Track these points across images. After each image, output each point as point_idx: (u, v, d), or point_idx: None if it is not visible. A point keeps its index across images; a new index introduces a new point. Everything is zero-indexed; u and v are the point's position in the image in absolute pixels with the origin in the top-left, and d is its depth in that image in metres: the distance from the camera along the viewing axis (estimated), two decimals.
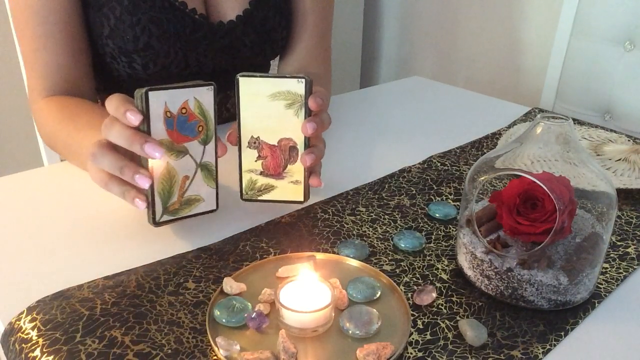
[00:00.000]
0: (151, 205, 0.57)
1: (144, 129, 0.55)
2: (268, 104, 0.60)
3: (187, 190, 0.59)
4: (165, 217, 0.59)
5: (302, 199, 0.64)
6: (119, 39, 0.78)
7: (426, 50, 2.13)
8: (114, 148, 0.56)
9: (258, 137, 0.62)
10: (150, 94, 0.54)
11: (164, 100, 0.55)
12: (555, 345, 0.48)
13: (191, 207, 0.60)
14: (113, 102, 0.54)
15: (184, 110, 0.56)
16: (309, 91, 0.59)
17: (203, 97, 0.57)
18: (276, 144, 0.62)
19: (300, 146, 0.62)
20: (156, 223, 0.58)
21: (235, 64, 0.89)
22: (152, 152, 0.53)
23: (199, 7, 0.82)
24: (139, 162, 0.56)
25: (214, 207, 0.62)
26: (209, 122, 0.58)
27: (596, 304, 0.53)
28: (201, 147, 0.59)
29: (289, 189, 0.63)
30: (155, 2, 0.77)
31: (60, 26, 0.76)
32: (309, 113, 0.60)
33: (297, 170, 0.63)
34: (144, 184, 0.55)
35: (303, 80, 0.59)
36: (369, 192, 0.73)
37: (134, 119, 0.53)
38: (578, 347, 0.49)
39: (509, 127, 0.96)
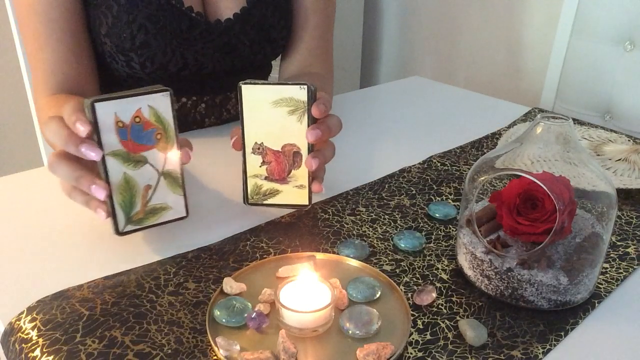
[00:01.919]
0: (113, 216, 0.56)
1: (95, 140, 0.53)
2: (271, 111, 0.60)
3: (151, 200, 0.58)
4: (130, 227, 0.57)
5: (307, 202, 0.64)
6: (116, 37, 0.78)
7: (426, 50, 2.13)
8: (71, 158, 0.54)
9: (262, 143, 0.62)
10: (97, 105, 0.52)
11: (113, 111, 0.53)
12: (555, 345, 0.48)
13: (157, 215, 0.59)
14: (66, 110, 0.53)
15: (137, 119, 0.55)
16: (312, 97, 0.59)
17: (158, 103, 0.55)
18: (280, 150, 0.62)
19: (304, 151, 0.62)
20: (119, 233, 0.57)
21: (235, 63, 0.89)
22: (88, 153, 0.52)
23: (196, 5, 0.82)
24: (97, 173, 0.55)
25: (184, 214, 0.60)
26: (167, 129, 0.57)
27: (596, 304, 0.53)
28: (162, 154, 0.57)
29: (293, 193, 0.64)
30: (152, 0, 0.77)
31: (62, 25, 0.77)
32: (312, 119, 0.60)
33: (301, 175, 0.63)
34: (100, 194, 0.53)
35: (305, 86, 0.59)
36: (369, 192, 0.73)
37: (83, 129, 0.52)
38: (578, 347, 0.49)
39: (509, 127, 0.96)
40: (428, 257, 0.60)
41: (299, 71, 0.96)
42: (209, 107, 0.92)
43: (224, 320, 0.49)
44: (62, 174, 0.54)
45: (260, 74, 0.99)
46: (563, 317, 0.51)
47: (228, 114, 0.95)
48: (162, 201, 0.59)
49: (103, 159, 0.54)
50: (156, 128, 0.56)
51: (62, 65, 0.78)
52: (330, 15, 0.96)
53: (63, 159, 0.54)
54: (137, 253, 0.59)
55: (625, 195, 0.73)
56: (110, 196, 0.55)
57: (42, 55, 0.78)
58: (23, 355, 0.46)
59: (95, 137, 0.53)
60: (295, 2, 0.92)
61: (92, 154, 0.53)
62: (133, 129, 0.55)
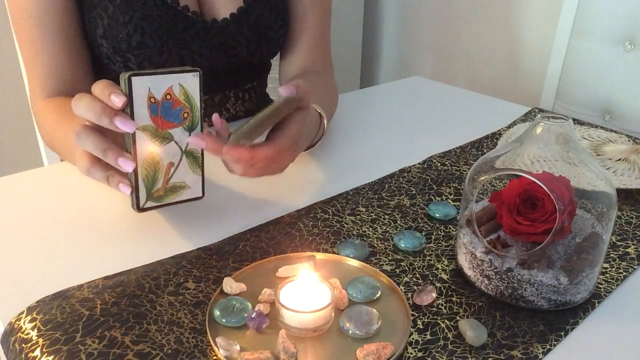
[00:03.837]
0: (135, 191, 0.57)
1: (127, 114, 0.55)
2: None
3: (172, 177, 0.59)
4: (150, 204, 0.58)
5: (200, 194, 0.61)
6: (112, 38, 0.78)
7: (426, 50, 2.13)
8: (98, 130, 0.55)
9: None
10: (134, 79, 0.54)
11: (147, 86, 0.55)
12: (555, 345, 0.48)
13: (176, 194, 0.60)
14: (99, 86, 0.54)
15: (168, 96, 0.56)
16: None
17: (188, 83, 0.57)
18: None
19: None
20: (140, 209, 0.58)
21: (232, 62, 0.89)
22: (123, 125, 0.53)
23: (192, 4, 0.82)
24: (123, 147, 0.56)
25: (200, 195, 0.61)
26: (194, 108, 0.58)
27: (596, 304, 0.53)
28: (186, 133, 0.58)
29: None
30: (147, 0, 0.77)
31: (56, 28, 0.77)
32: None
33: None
34: (128, 167, 0.54)
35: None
36: (369, 192, 0.73)
37: (118, 100, 0.53)
38: (578, 347, 0.49)
39: (509, 127, 0.96)
40: (428, 257, 0.60)
41: (299, 71, 0.95)
42: (208, 106, 0.92)
43: (224, 320, 0.49)
44: (89, 144, 0.55)
45: (259, 72, 0.99)
46: (563, 317, 0.51)
47: (228, 113, 0.95)
48: (182, 180, 0.60)
49: (133, 132, 0.55)
50: (184, 107, 0.57)
51: (58, 69, 0.78)
52: (327, 14, 0.96)
53: (91, 129, 0.55)
54: (137, 253, 0.59)
55: (625, 195, 0.73)
56: (134, 171, 0.56)
57: (37, 59, 0.78)
58: (23, 355, 0.46)
59: (127, 111, 0.54)
60: (293, 2, 0.92)
61: (126, 127, 0.53)
62: (163, 105, 0.56)
